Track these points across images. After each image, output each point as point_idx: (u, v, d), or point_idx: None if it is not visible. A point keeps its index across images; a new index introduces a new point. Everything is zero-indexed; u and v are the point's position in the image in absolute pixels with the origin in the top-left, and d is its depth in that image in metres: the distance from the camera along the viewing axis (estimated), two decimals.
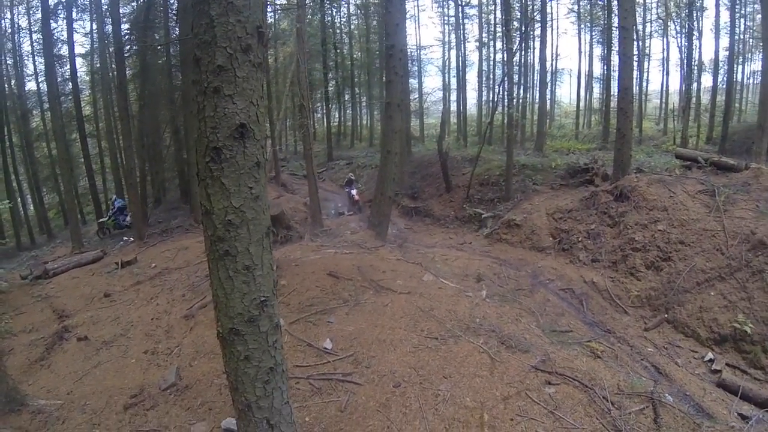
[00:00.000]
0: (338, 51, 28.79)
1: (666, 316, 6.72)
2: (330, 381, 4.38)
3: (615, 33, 17.54)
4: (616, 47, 17.46)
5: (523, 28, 21.08)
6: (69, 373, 5.59)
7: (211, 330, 5.60)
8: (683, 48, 22.07)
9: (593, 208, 9.43)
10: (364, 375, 4.42)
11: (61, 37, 19.53)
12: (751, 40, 23.96)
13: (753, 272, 6.31)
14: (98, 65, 19.33)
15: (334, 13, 29.17)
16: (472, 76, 32.29)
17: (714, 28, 20.79)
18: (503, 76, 17.24)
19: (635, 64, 17.04)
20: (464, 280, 7.49)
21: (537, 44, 22.92)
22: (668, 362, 5.75)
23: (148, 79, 17.18)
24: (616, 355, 5.55)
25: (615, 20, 17.08)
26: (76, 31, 21.11)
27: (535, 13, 21.16)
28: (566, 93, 36.09)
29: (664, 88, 27.02)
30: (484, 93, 29.57)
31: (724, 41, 20.97)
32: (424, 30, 46.70)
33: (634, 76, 16.26)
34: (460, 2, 26.58)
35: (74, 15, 19.51)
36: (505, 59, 18.48)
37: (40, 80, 21.34)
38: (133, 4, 18.92)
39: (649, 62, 28.52)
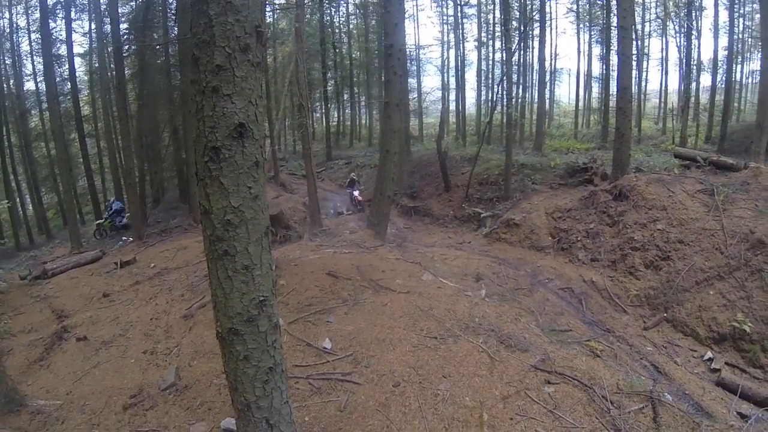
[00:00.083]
0: (337, 50, 28.79)
1: (665, 315, 6.73)
2: (329, 380, 4.38)
3: (614, 32, 17.58)
4: (615, 47, 17.50)
5: (522, 28, 21.08)
6: (68, 373, 5.58)
7: (210, 330, 5.59)
8: (682, 47, 22.12)
9: (592, 207, 9.44)
10: (363, 374, 4.42)
11: (60, 37, 19.52)
12: (750, 39, 24.02)
13: (752, 271, 6.32)
14: (97, 65, 19.32)
15: (333, 13, 29.20)
16: (471, 76, 32.44)
17: (713, 27, 20.83)
18: (502, 76, 17.26)
19: (634, 63, 17.03)
20: (463, 280, 7.49)
21: (536, 44, 22.91)
22: (667, 361, 5.75)
23: (147, 79, 17.16)
24: (616, 354, 5.56)
25: (614, 20, 17.12)
26: (74, 30, 21.26)
27: (534, 13, 21.18)
28: (565, 92, 36.21)
29: (663, 88, 27.06)
30: (483, 92, 29.59)
31: (723, 41, 21.03)
32: (423, 29, 47.05)
33: (633, 75, 16.25)
34: (459, 2, 26.60)
35: (73, 15, 19.56)
36: (504, 59, 18.49)
37: (38, 80, 21.38)
38: (131, 3, 18.94)
39: (648, 62, 28.62)
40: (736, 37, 20.71)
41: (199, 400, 4.39)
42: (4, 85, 20.14)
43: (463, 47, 28.22)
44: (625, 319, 6.90)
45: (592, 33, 27.50)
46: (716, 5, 20.75)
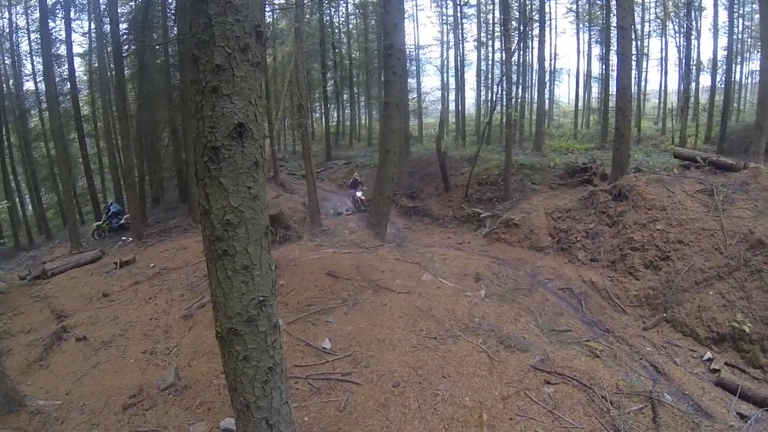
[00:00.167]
0: (337, 50, 28.80)
1: (665, 315, 6.73)
2: (329, 381, 4.38)
3: (613, 32, 17.61)
4: (614, 47, 17.48)
5: (522, 28, 21.08)
6: (67, 373, 5.57)
7: (209, 330, 5.60)
8: (682, 47, 22.11)
9: (592, 207, 9.44)
10: (363, 375, 4.42)
11: (60, 37, 19.50)
12: (749, 39, 24.04)
13: (751, 271, 6.32)
14: (96, 65, 19.32)
15: (332, 13, 29.19)
16: (470, 76, 32.46)
17: (712, 27, 20.86)
18: (502, 76, 17.27)
19: (633, 63, 17.06)
20: (463, 280, 7.49)
21: (535, 44, 22.88)
22: (667, 361, 5.76)
23: (147, 79, 17.15)
24: (615, 354, 5.56)
25: (613, 20, 17.13)
26: (74, 30, 21.21)
27: (533, 13, 21.19)
28: (565, 93, 36.23)
29: (663, 88, 27.09)
30: (483, 93, 29.60)
31: (723, 41, 21.07)
32: (422, 30, 47.03)
33: (633, 75, 16.27)
34: (458, 2, 26.59)
35: (72, 15, 19.54)
36: (504, 59, 18.49)
37: (38, 80, 21.36)
38: (131, 3, 18.94)
39: (647, 62, 28.66)
40: (735, 37, 20.73)
41: (199, 400, 4.38)
42: (4, 85, 20.14)
43: (463, 47, 28.27)
44: (624, 320, 6.90)
45: (592, 33, 27.54)
46: (716, 5, 20.80)
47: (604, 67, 22.84)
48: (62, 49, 19.69)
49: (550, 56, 27.03)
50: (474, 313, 5.70)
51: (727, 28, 18.87)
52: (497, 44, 26.27)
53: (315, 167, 15.31)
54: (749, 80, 27.55)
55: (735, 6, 19.72)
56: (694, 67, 22.47)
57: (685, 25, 21.50)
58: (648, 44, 27.75)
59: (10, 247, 17.92)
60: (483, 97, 29.59)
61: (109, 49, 14.78)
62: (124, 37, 16.37)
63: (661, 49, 27.25)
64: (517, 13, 22.55)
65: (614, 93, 13.55)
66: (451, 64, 30.75)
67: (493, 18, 26.79)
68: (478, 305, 6.03)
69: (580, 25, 27.90)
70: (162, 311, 7.12)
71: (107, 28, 14.15)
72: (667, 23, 24.53)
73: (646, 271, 7.50)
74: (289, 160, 25.93)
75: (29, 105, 21.83)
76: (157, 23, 17.60)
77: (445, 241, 11.54)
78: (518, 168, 14.22)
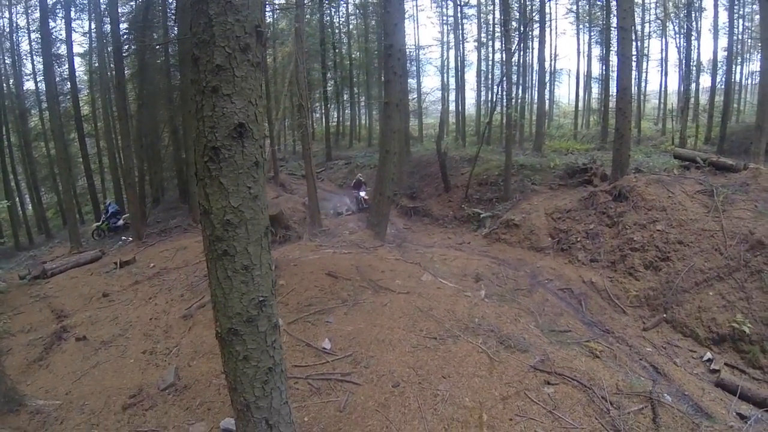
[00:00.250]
0: (337, 51, 28.79)
1: (664, 315, 6.73)
2: (329, 381, 4.38)
3: (614, 33, 17.59)
4: (614, 47, 17.50)
5: (522, 29, 21.09)
6: (67, 373, 5.57)
7: (209, 330, 5.60)
8: (682, 48, 22.11)
9: (592, 208, 9.44)
10: (362, 375, 4.42)
11: (60, 37, 19.52)
12: (749, 40, 24.04)
13: (751, 272, 6.32)
14: (97, 65, 19.32)
15: (332, 13, 29.19)
16: (470, 76, 32.43)
17: (712, 28, 20.85)
18: (502, 76, 17.27)
19: (634, 64, 17.06)
20: (463, 280, 7.49)
21: (536, 44, 22.88)
22: (667, 362, 5.76)
23: (147, 79, 17.16)
24: (615, 354, 5.56)
25: (614, 20, 17.13)
26: (74, 30, 21.20)
27: (533, 14, 21.18)
28: (565, 93, 36.28)
29: (663, 89, 27.09)
30: (483, 93, 29.59)
31: (723, 41, 21.06)
32: (422, 30, 47.13)
33: (633, 76, 16.28)
34: (458, 2, 26.59)
35: (73, 14, 19.56)
36: (504, 59, 18.51)
37: (38, 80, 21.37)
38: (131, 3, 18.93)
39: (647, 62, 28.66)
40: (735, 38, 20.74)
41: (199, 400, 4.38)
42: (4, 85, 20.14)
43: (463, 48, 28.28)
44: (624, 320, 6.90)
45: (592, 34, 27.54)
46: (716, 6, 20.81)
47: (604, 67, 22.86)
48: (62, 49, 19.73)
49: (551, 57, 27.09)
50: (474, 314, 5.70)
51: (727, 29, 18.90)
52: (497, 45, 26.32)
53: (315, 167, 15.29)
54: (749, 81, 27.57)
55: (735, 7, 19.73)
56: (694, 68, 22.48)
57: (685, 26, 21.52)
58: (648, 45, 27.81)
59: (10, 247, 17.93)
60: (483, 98, 29.62)
61: (109, 49, 14.78)
62: (125, 36, 16.37)
63: (662, 49, 27.26)
64: (518, 14, 22.56)
65: (614, 94, 13.56)
66: (452, 64, 30.81)
67: (494, 18, 26.81)
68: (478, 305, 6.03)
69: (581, 26, 27.92)
70: (162, 311, 7.12)
71: (107, 27, 14.15)
72: (668, 24, 24.55)
73: (646, 271, 7.50)
74: (289, 160, 25.93)
75: (29, 105, 21.84)
76: (157, 23, 17.60)
77: (445, 242, 11.54)
78: (518, 168, 14.22)
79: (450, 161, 15.51)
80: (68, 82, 19.63)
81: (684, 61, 21.55)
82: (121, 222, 14.54)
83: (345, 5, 29.75)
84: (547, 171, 13.94)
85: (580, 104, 29.40)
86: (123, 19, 16.91)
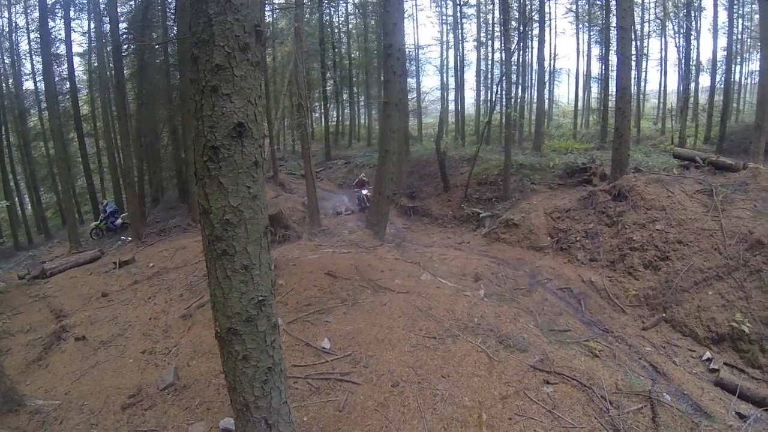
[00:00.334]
0: (336, 50, 28.79)
1: (664, 315, 6.74)
2: (328, 380, 4.38)
3: (613, 33, 17.65)
4: (614, 47, 17.50)
5: (522, 28, 21.07)
6: (67, 373, 5.57)
7: (209, 330, 5.60)
8: (681, 48, 22.12)
9: (591, 207, 9.45)
10: (362, 374, 4.42)
11: (59, 36, 19.50)
12: (749, 40, 24.08)
13: (751, 272, 6.33)
14: (96, 64, 19.30)
15: (332, 13, 29.18)
16: (470, 76, 32.50)
17: (712, 28, 20.89)
18: (501, 76, 17.29)
19: (633, 63, 17.03)
20: (462, 280, 7.49)
21: (535, 44, 22.90)
22: (666, 361, 5.76)
23: (146, 78, 17.14)
24: (614, 354, 5.56)
25: (613, 20, 17.16)
26: (73, 30, 21.18)
27: (533, 13, 21.20)
28: (564, 93, 36.32)
29: (662, 88, 27.12)
30: (483, 92, 29.62)
31: (722, 41, 21.08)
32: (422, 29, 47.13)
33: (632, 75, 16.27)
34: (458, 2, 26.58)
35: (72, 14, 19.53)
36: (504, 59, 18.49)
37: (37, 79, 21.34)
38: (131, 3, 18.94)
39: (647, 62, 28.69)
40: (735, 37, 20.76)
41: (198, 399, 4.38)
42: (3, 85, 20.14)
43: (463, 47, 28.26)
44: (623, 319, 6.91)
45: (592, 33, 27.54)
46: (715, 6, 20.82)
47: (603, 67, 22.85)
48: (62, 49, 19.72)
49: (550, 56, 27.06)
50: (473, 313, 5.70)
51: (726, 29, 18.91)
52: (497, 44, 26.36)
53: (314, 167, 15.29)
54: (749, 80, 27.61)
55: (734, 6, 19.76)
56: (693, 68, 22.50)
57: (684, 26, 21.53)
58: (648, 44, 27.82)
59: (9, 247, 17.93)
60: (482, 97, 29.64)
61: (108, 49, 14.78)
62: (124, 36, 16.36)
63: (661, 49, 27.30)
64: (517, 13, 22.55)
65: (614, 93, 13.56)
66: (451, 64, 30.82)
67: (493, 18, 26.83)
68: (477, 305, 6.03)
69: (580, 26, 27.93)
70: (161, 311, 7.11)
71: (107, 27, 14.16)
72: (667, 23, 24.56)
73: (646, 271, 7.50)
74: (289, 159, 25.91)
75: (29, 104, 21.83)
76: (156, 23, 17.58)
77: (444, 241, 11.54)
78: (517, 168, 14.22)
79: (449, 161, 15.51)
80: (67, 82, 19.62)
81: (683, 61, 21.56)
82: (119, 221, 14.58)
83: (344, 5, 29.78)
84: (547, 170, 13.94)
85: (580, 104, 29.41)
86: (122, 18, 16.92)
